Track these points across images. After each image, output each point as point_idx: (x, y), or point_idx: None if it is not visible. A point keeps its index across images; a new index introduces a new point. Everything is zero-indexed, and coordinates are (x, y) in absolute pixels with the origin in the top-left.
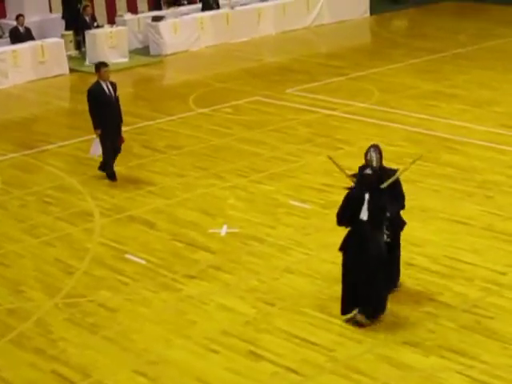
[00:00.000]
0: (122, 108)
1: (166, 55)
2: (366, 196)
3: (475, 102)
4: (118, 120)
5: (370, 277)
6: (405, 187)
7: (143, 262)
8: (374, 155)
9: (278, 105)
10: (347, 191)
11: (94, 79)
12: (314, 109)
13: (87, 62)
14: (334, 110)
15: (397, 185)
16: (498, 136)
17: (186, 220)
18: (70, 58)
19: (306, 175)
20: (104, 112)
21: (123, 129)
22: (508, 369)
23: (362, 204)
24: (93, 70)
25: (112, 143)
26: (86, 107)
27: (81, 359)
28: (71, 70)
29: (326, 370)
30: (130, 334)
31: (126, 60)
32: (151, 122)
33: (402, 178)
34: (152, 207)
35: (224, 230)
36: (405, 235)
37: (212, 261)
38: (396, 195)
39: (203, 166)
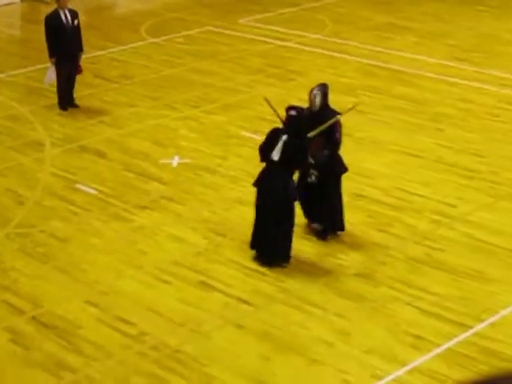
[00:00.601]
0: None
1: None
2: (283, 137)
3: (428, 34)
4: (74, 49)
5: (272, 218)
6: (357, 119)
7: (94, 192)
8: (317, 94)
9: (231, 35)
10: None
11: (44, 8)
12: (266, 39)
13: None
14: (286, 40)
15: (333, 131)
16: (450, 69)
17: (138, 150)
18: None
19: (258, 106)
20: (59, 40)
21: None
22: (457, 300)
23: (277, 143)
24: None
25: (68, 72)
26: (38, 36)
27: (32, 289)
28: None
29: (277, 300)
30: (81, 265)
31: None
32: (103, 52)
33: (353, 111)
34: (103, 137)
35: (176, 161)
36: (355, 167)
37: (163, 191)
38: (331, 141)
39: (155, 97)
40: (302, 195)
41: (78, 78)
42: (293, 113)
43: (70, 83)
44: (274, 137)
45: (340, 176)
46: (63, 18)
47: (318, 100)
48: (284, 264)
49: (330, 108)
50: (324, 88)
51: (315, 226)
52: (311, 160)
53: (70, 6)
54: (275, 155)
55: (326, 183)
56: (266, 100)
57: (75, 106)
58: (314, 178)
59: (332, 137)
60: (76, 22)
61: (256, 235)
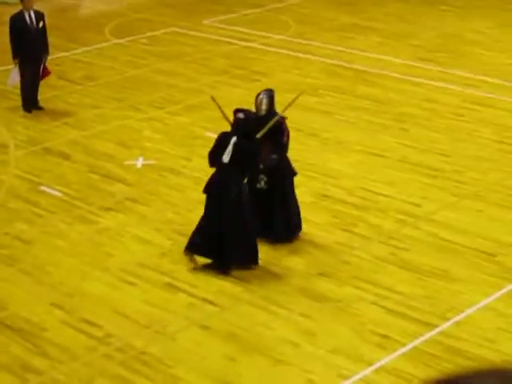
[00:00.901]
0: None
1: None
2: (233, 139)
3: (392, 34)
4: (38, 51)
5: (231, 222)
6: (322, 119)
7: (59, 194)
8: (263, 98)
9: (195, 36)
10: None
11: (7, 9)
12: (231, 40)
13: None
14: (251, 41)
15: (280, 134)
16: (414, 69)
17: (102, 152)
18: None
19: (223, 107)
20: (23, 41)
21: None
22: (422, 299)
23: (227, 147)
24: (8, 0)
25: (32, 74)
26: (1, 38)
27: None
28: None
29: (242, 300)
30: (46, 267)
31: None
32: (67, 53)
33: (319, 110)
34: (68, 139)
35: (140, 162)
36: (320, 167)
37: (128, 193)
38: (279, 145)
39: (119, 98)
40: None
41: (42, 80)
42: (241, 115)
43: (34, 85)
44: (224, 140)
45: (292, 178)
46: (28, 19)
47: (264, 104)
48: (253, 266)
49: (276, 113)
50: (270, 92)
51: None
52: (260, 165)
53: (35, 7)
54: (225, 158)
55: (279, 188)
56: (213, 99)
57: (39, 108)
58: (263, 183)
59: (279, 141)
60: (41, 23)
61: (208, 241)
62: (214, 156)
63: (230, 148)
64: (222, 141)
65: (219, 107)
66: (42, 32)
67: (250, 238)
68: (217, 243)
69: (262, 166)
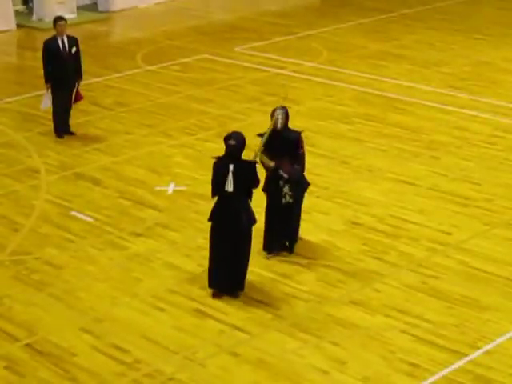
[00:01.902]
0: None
1: (115, 12)
2: (231, 168)
3: (423, 62)
4: (70, 76)
5: (237, 251)
6: (353, 147)
7: (89, 219)
8: (279, 114)
9: (227, 63)
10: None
11: (40, 35)
12: (262, 67)
13: (34, 18)
14: (282, 68)
15: (296, 147)
16: (444, 97)
17: (133, 178)
18: (17, 13)
19: (254, 134)
20: (55, 66)
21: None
22: (452, 328)
23: (227, 175)
24: (40, 25)
25: (63, 99)
26: (34, 63)
27: (26, 316)
28: (18, 26)
29: (271, 328)
30: (76, 292)
31: (74, 16)
32: (99, 79)
33: (350, 137)
34: (99, 164)
35: (171, 188)
36: (352, 195)
37: (159, 219)
38: (296, 156)
39: (150, 124)
40: (275, 219)
41: (74, 105)
42: (232, 142)
43: (65, 111)
44: (221, 169)
45: (306, 190)
46: (60, 44)
47: (280, 120)
48: (240, 292)
49: (289, 128)
50: (286, 109)
51: (286, 242)
52: (285, 176)
53: (68, 32)
54: (229, 187)
55: (300, 200)
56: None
57: (71, 134)
58: (288, 198)
59: (296, 153)
60: (74, 49)
61: (218, 271)
62: (215, 186)
63: (230, 177)
64: (219, 170)
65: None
66: (74, 57)
67: (248, 262)
68: (225, 271)
69: (286, 176)
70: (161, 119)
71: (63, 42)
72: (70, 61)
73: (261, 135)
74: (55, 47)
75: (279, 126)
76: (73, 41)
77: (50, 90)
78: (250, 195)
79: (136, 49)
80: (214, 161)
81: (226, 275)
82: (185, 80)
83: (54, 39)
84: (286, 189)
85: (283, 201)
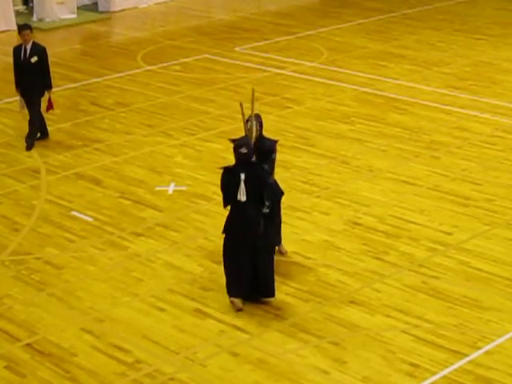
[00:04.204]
0: (70, 65)
1: (115, 12)
2: (242, 177)
3: (424, 62)
4: (29, 85)
5: (261, 260)
6: (353, 147)
7: (90, 219)
8: (254, 124)
9: (227, 63)
10: (222, 171)
11: (41, 35)
12: (262, 67)
13: (35, 18)
14: (282, 68)
15: (270, 156)
16: (445, 97)
17: (134, 178)
18: (17, 13)
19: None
20: (17, 74)
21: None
22: (453, 328)
23: (239, 185)
24: (40, 25)
25: (29, 107)
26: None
27: (27, 316)
28: None
29: (272, 328)
30: (77, 292)
31: (74, 16)
32: (99, 79)
33: (350, 137)
34: (99, 164)
35: (171, 188)
36: (352, 195)
37: (159, 219)
38: (270, 166)
39: (151, 124)
40: None
41: (74, 104)
42: (244, 151)
43: (36, 118)
44: (233, 179)
45: (280, 199)
46: (22, 52)
47: (254, 129)
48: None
49: (264, 137)
50: (260, 118)
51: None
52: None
53: (66, 35)
54: (242, 197)
55: (276, 208)
56: (241, 105)
57: (43, 137)
58: (265, 208)
59: (269, 162)
60: (34, 58)
61: (246, 281)
62: (227, 196)
63: (242, 186)
64: (230, 180)
65: (242, 113)
66: (36, 67)
67: (274, 268)
68: (253, 279)
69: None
70: (161, 119)
71: (25, 50)
72: (29, 70)
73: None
74: (17, 55)
75: (254, 134)
76: (37, 50)
77: (20, 96)
78: (263, 202)
79: (136, 49)
80: (221, 171)
81: (254, 284)
82: (185, 80)
83: (19, 46)
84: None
85: (263, 210)
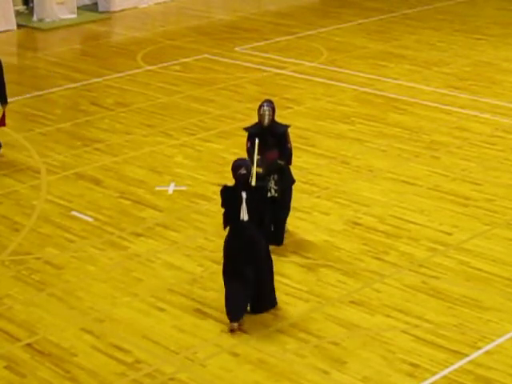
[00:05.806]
0: (70, 65)
1: (115, 12)
2: (244, 195)
3: (424, 62)
4: None
5: (262, 273)
6: (353, 147)
7: (90, 219)
8: (266, 110)
9: (227, 63)
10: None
11: (41, 35)
12: (262, 67)
13: (35, 18)
14: (282, 68)
15: (284, 142)
16: (445, 97)
17: (134, 178)
18: (17, 13)
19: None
20: None
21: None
22: (453, 328)
23: (241, 203)
24: (40, 25)
25: None
26: (34, 63)
27: (27, 316)
28: (19, 26)
29: (272, 328)
30: (77, 292)
31: (74, 16)
32: (99, 79)
33: (350, 137)
34: (99, 164)
35: (171, 188)
36: (352, 195)
37: (159, 219)
38: (283, 151)
39: (151, 124)
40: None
41: (74, 104)
42: (243, 172)
43: None
44: (234, 199)
45: (292, 185)
46: None
47: (267, 115)
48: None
49: (277, 122)
50: (272, 104)
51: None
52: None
53: (65, 35)
54: (244, 216)
55: (286, 195)
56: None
57: None
58: (273, 192)
59: (284, 148)
60: None
61: (246, 304)
62: (228, 217)
63: (244, 205)
64: (231, 200)
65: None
66: None
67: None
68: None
69: (262, 171)
70: (161, 119)
71: None
72: None
73: (246, 129)
74: None
75: (266, 121)
76: None
77: None
78: (263, 219)
79: (136, 49)
80: (220, 188)
81: (254, 300)
82: (185, 80)
83: None
84: (271, 183)
85: (269, 194)
